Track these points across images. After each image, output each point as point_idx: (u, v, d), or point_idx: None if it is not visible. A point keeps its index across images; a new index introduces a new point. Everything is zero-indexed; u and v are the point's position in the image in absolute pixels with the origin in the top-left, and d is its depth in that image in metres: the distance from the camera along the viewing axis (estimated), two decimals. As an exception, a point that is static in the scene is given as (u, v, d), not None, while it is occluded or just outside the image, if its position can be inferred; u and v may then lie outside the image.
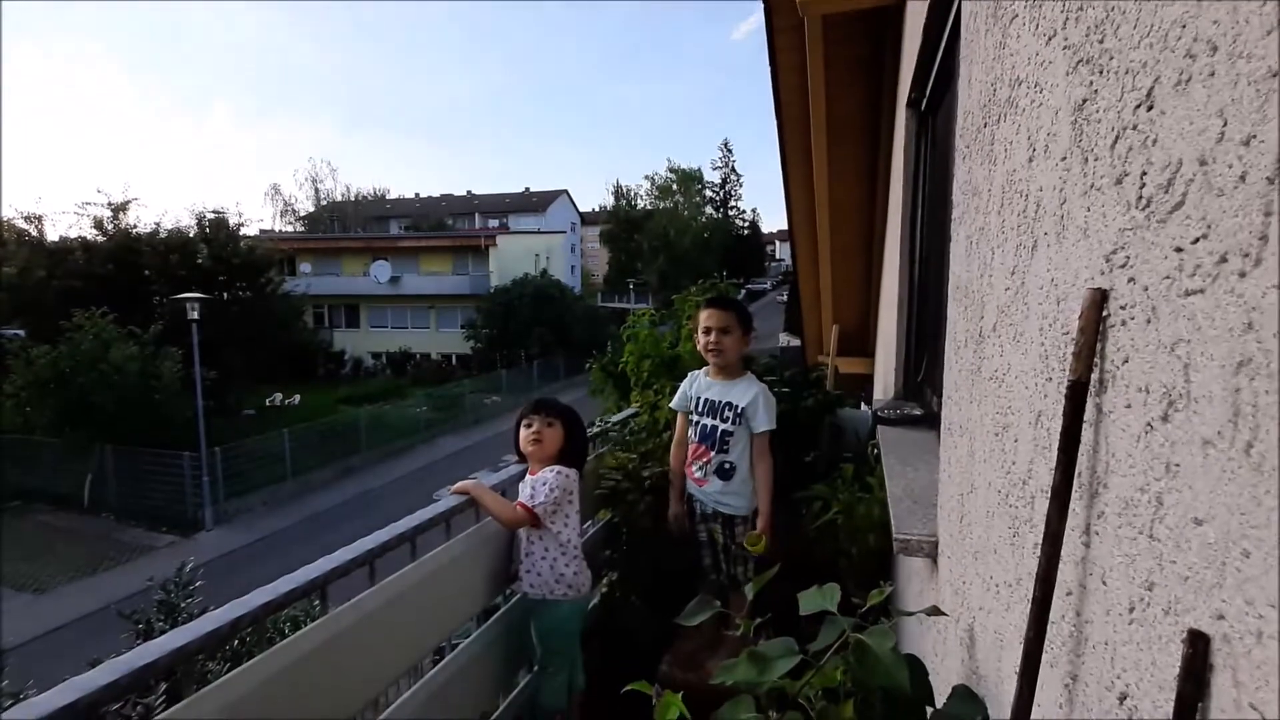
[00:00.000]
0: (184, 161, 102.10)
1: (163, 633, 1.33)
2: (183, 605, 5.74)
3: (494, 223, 45.58)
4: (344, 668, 1.56)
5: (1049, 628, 0.64)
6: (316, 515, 14.48)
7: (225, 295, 19.47)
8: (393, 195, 58.14)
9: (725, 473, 2.57)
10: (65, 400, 14.09)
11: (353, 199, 52.93)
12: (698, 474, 2.62)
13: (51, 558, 12.51)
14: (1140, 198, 0.50)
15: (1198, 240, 0.43)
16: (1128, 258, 0.53)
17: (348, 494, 15.79)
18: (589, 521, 2.89)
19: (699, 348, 2.66)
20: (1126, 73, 0.53)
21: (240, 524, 14.17)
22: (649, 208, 51.02)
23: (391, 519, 1.85)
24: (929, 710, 0.94)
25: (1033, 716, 0.66)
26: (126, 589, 10.00)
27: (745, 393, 2.56)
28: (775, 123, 4.14)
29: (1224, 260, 0.40)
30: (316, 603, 1.59)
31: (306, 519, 14.30)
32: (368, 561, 1.68)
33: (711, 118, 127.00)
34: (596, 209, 55.29)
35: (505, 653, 2.23)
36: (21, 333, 18.01)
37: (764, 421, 2.51)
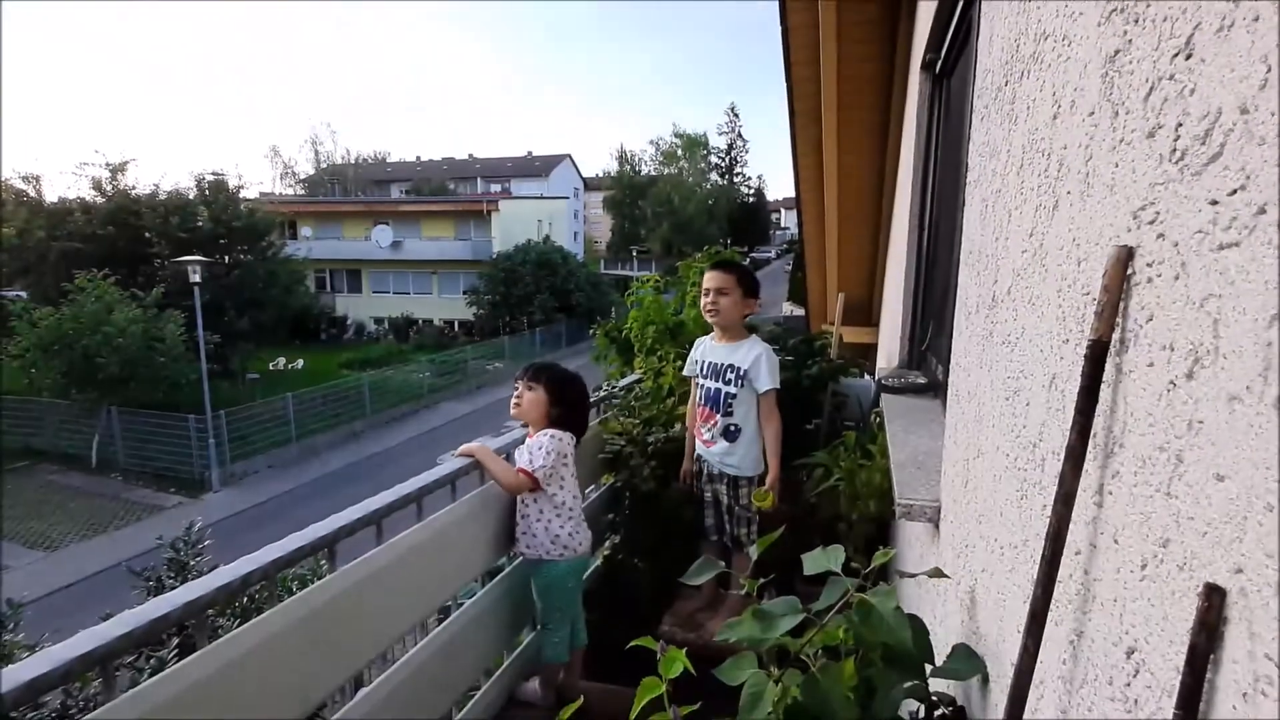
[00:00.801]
0: (181, 122, 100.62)
1: (173, 589, 1.36)
2: (192, 564, 5.84)
3: (496, 187, 44.98)
4: (351, 624, 1.59)
5: (1056, 586, 0.65)
6: (321, 478, 14.65)
7: (226, 258, 19.30)
8: (393, 158, 57.35)
9: (730, 435, 2.59)
10: (70, 362, 14.12)
11: (353, 162, 52.27)
12: (706, 436, 2.65)
13: (61, 516, 12.71)
14: (1174, 150, 0.49)
15: (1235, 192, 0.42)
16: (1157, 213, 0.51)
17: (351, 458, 15.94)
18: (592, 485, 2.92)
19: (702, 310, 2.67)
20: (1164, 20, 0.51)
21: (246, 486, 14.35)
22: (653, 174, 50.28)
23: (395, 482, 1.87)
24: (929, 668, 0.96)
25: (1036, 672, 0.67)
26: (136, 548, 10.17)
27: (748, 355, 2.56)
28: (785, 86, 4.06)
29: (1262, 211, 0.39)
30: (324, 562, 1.62)
31: (311, 482, 14.48)
32: (375, 521, 1.70)
33: (719, 82, 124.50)
34: (600, 174, 54.49)
35: (509, 611, 2.28)
36: (23, 294, 17.97)
37: (767, 381, 2.52)
